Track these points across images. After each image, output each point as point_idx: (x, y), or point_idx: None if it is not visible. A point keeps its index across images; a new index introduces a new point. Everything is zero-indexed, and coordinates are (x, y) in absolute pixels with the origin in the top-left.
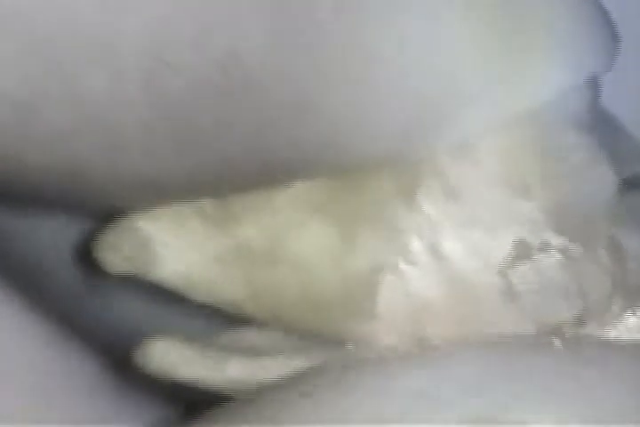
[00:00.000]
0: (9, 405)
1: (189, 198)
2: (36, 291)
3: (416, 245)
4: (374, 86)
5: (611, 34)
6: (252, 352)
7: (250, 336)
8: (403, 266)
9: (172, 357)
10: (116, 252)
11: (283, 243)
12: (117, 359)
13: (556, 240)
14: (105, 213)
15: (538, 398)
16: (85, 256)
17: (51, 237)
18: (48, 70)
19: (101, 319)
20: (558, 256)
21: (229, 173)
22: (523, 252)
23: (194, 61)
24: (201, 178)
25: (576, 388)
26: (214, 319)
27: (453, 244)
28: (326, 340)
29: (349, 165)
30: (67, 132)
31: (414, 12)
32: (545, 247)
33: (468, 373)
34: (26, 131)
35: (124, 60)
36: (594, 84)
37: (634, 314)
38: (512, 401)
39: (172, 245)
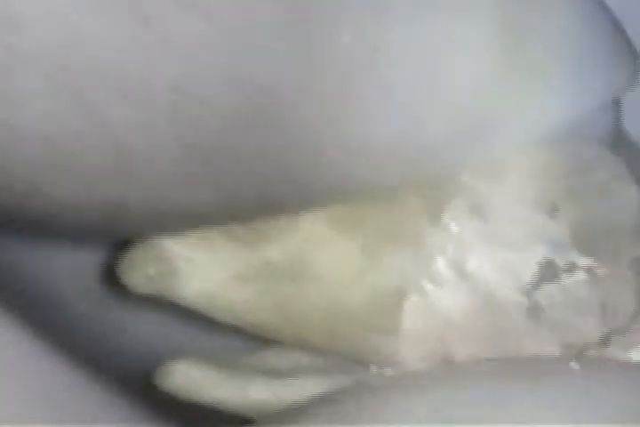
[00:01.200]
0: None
1: (215, 224)
2: (55, 314)
3: (441, 264)
4: (404, 109)
5: (632, 54)
6: (276, 374)
7: (273, 358)
8: (428, 285)
9: (195, 377)
10: (140, 271)
11: (307, 261)
12: (138, 381)
13: (582, 260)
14: (129, 237)
15: (551, 420)
16: (108, 279)
17: (72, 261)
18: (76, 106)
19: (123, 341)
20: (584, 276)
21: (259, 200)
22: (549, 272)
23: (222, 92)
24: (231, 205)
25: (590, 409)
26: (237, 340)
27: (479, 262)
28: (350, 361)
29: (375, 188)
30: (95, 165)
31: (440, 36)
32: (571, 268)
33: (484, 396)
34: (56, 166)
35: (152, 93)
36: (617, 105)
37: None
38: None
39: (198, 263)
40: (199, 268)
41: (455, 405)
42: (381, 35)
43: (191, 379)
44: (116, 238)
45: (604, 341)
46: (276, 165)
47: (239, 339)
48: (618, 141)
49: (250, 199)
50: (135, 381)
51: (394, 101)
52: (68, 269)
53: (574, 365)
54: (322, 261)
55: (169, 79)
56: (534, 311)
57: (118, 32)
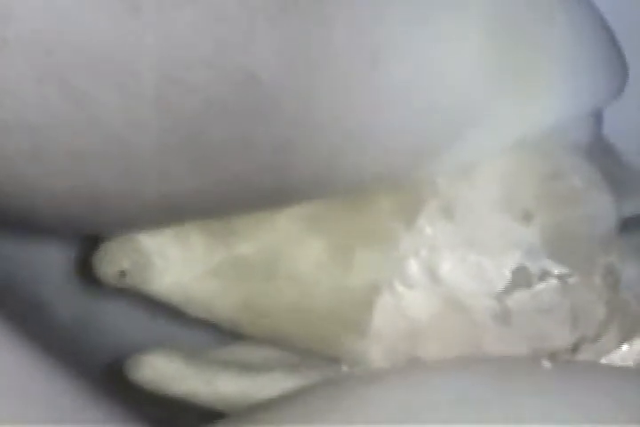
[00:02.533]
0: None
1: (194, 218)
2: (29, 306)
3: (413, 266)
4: (381, 107)
5: (621, 64)
6: (246, 368)
7: (244, 352)
8: (399, 286)
9: (164, 370)
10: (114, 265)
11: (280, 259)
12: (108, 371)
13: (555, 268)
14: (105, 231)
15: (522, 415)
16: (82, 272)
17: (45, 253)
18: (63, 93)
19: (95, 333)
20: (556, 283)
21: (239, 193)
22: (522, 279)
23: (209, 81)
24: (213, 198)
25: (562, 404)
26: (210, 334)
27: (451, 266)
28: (320, 357)
29: (351, 185)
30: (81, 155)
31: (427, 37)
32: (543, 275)
33: (449, 391)
34: (41, 155)
35: (138, 79)
36: (597, 114)
37: (627, 343)
38: (493, 418)
39: (171, 258)
40: (173, 262)
41: (423, 402)
42: (376, 29)
43: (160, 371)
44: (93, 232)
45: (574, 348)
46: (258, 157)
47: (211, 332)
48: (595, 148)
49: (228, 192)
50: (106, 373)
51: (381, 97)
52: (44, 264)
53: (546, 363)
54: (294, 258)
55: (157, 66)
56: (504, 316)
57: (106, 18)
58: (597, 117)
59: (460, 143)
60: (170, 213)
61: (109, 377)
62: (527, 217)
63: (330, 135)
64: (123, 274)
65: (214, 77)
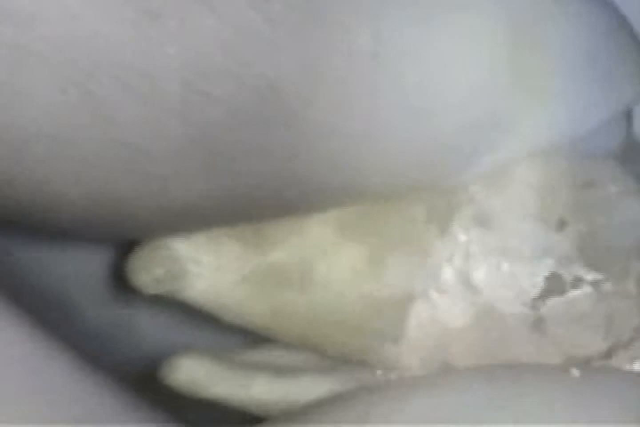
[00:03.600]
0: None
1: (222, 225)
2: (63, 312)
3: (447, 273)
4: (409, 114)
5: None
6: (280, 372)
7: (276, 355)
8: (433, 294)
9: (198, 373)
10: (148, 272)
11: (313, 266)
12: (142, 375)
13: (588, 275)
14: (133, 237)
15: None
16: (115, 278)
17: (78, 260)
18: (87, 103)
19: (127, 335)
20: (590, 291)
21: (266, 200)
22: (556, 286)
23: (232, 91)
24: (233, 204)
25: (583, 415)
26: (241, 336)
27: (485, 273)
28: (353, 363)
29: (382, 191)
30: (106, 166)
31: (449, 44)
32: (577, 282)
33: (481, 399)
34: (65, 165)
35: (162, 91)
36: (628, 116)
37: None
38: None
39: (205, 264)
40: (206, 269)
41: (456, 406)
42: (391, 34)
43: (195, 375)
44: (124, 238)
45: (607, 354)
46: (284, 164)
47: (243, 335)
48: (629, 152)
49: (256, 199)
50: (141, 377)
51: (402, 102)
52: (77, 269)
53: (575, 372)
54: (328, 265)
55: (178, 75)
56: (538, 324)
57: (126, 27)
58: (627, 120)
59: (492, 150)
60: (196, 219)
61: (143, 382)
62: (561, 225)
63: (352, 139)
64: (157, 281)
65: (236, 87)
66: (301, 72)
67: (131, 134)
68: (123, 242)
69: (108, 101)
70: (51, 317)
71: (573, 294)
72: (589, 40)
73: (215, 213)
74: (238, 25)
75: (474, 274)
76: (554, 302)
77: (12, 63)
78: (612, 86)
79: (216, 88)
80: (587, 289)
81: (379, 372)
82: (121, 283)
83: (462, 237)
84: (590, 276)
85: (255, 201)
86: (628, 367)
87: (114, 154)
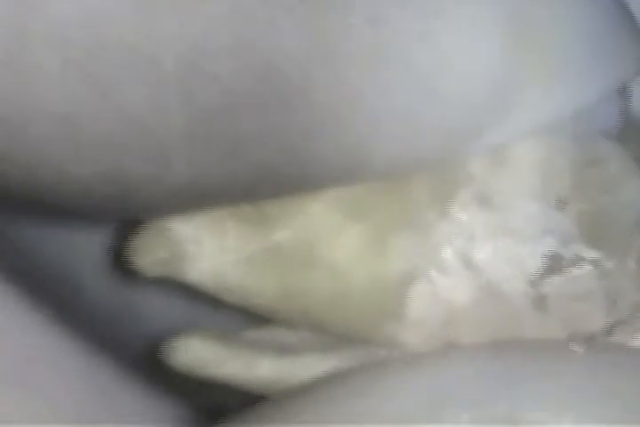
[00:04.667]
0: (30, 404)
1: (224, 205)
2: (66, 294)
3: (448, 253)
4: (409, 92)
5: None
6: (283, 350)
7: (279, 334)
8: (434, 273)
9: (202, 353)
10: (149, 254)
11: (316, 246)
12: (145, 357)
13: (589, 254)
14: (137, 216)
15: (556, 399)
16: (116, 258)
17: (81, 241)
18: (89, 83)
19: (130, 317)
20: (590, 269)
21: (269, 180)
22: (555, 265)
23: (233, 71)
24: (240, 184)
25: (596, 389)
26: (243, 315)
27: (485, 253)
28: (357, 341)
29: (385, 171)
30: (108, 144)
31: (451, 23)
32: (577, 261)
33: (484, 373)
34: (67, 144)
35: (163, 70)
36: (624, 92)
37: None
38: (529, 401)
39: (206, 245)
40: (208, 250)
41: (460, 381)
42: (396, 17)
43: (197, 355)
44: (124, 217)
45: (609, 329)
46: (284, 144)
47: (245, 314)
48: (626, 132)
49: (258, 178)
50: (144, 359)
51: (406, 83)
52: (76, 250)
53: (577, 347)
54: (330, 245)
55: (180, 57)
56: (539, 301)
57: (125, 6)
58: (625, 95)
59: (493, 129)
60: (200, 198)
61: (147, 363)
62: (561, 204)
63: (359, 123)
64: (158, 264)
65: (239, 68)
66: (303, 52)
67: (136, 114)
68: (122, 223)
69: (108, 80)
70: (51, 298)
71: (574, 272)
72: (586, 17)
73: (218, 192)
74: (237, 4)
75: (474, 254)
76: (555, 280)
77: (10, 42)
78: (609, 62)
79: (215, 67)
80: (587, 267)
81: (382, 350)
82: (122, 264)
83: (463, 217)
84: (591, 254)
85: (258, 180)
86: (629, 342)
87: (116, 132)
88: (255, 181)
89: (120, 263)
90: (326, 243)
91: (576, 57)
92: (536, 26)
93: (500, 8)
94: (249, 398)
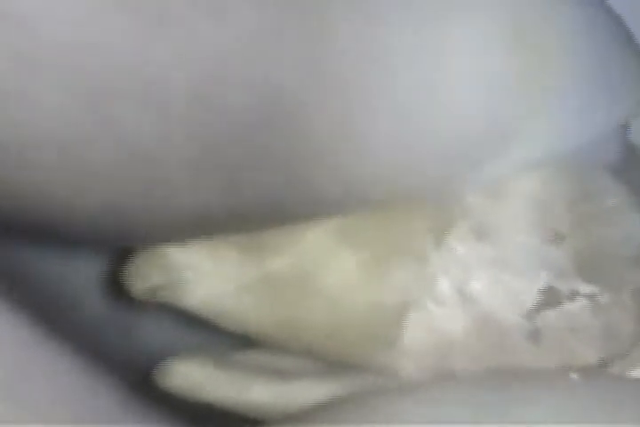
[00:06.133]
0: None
1: (222, 233)
2: (62, 317)
3: (444, 284)
4: (411, 124)
5: None
6: (278, 375)
7: (273, 357)
8: (429, 303)
9: (196, 377)
10: (144, 280)
11: (312, 274)
12: (142, 380)
13: (584, 288)
14: (135, 243)
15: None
16: (114, 282)
17: (79, 265)
18: (92, 111)
19: (125, 340)
20: (586, 303)
21: (268, 208)
22: (550, 299)
23: (240, 97)
24: (240, 213)
25: (588, 415)
26: (239, 340)
27: (481, 285)
28: (352, 368)
29: (383, 200)
30: (110, 174)
31: (446, 50)
32: (573, 295)
33: (480, 402)
34: (67, 172)
35: (169, 99)
36: (625, 126)
37: None
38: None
39: (203, 272)
40: (205, 277)
41: (455, 407)
42: (388, 40)
43: (191, 378)
44: (122, 244)
45: (604, 363)
46: (287, 172)
47: (243, 339)
48: (627, 163)
49: (258, 208)
50: (140, 381)
51: (402, 113)
52: (74, 274)
53: (574, 376)
54: (327, 274)
55: (185, 83)
56: (534, 334)
57: (133, 34)
58: (626, 129)
59: (492, 161)
60: (199, 227)
61: (143, 385)
62: (558, 239)
63: (358, 152)
64: (154, 289)
65: (245, 94)
66: (305, 78)
67: (137, 142)
68: (121, 247)
69: (113, 109)
70: (48, 318)
71: (569, 306)
72: (591, 52)
73: (217, 221)
74: (242, 32)
75: (470, 285)
76: (550, 313)
77: (16, 70)
78: (612, 98)
79: (220, 94)
80: (582, 302)
81: (377, 378)
82: (119, 288)
83: (459, 249)
84: (586, 289)
85: (257, 209)
86: (627, 373)
87: (120, 161)
88: (255, 210)
89: (117, 287)
90: (323, 271)
91: (578, 91)
92: (539, 59)
93: (502, 38)
94: (247, 423)
